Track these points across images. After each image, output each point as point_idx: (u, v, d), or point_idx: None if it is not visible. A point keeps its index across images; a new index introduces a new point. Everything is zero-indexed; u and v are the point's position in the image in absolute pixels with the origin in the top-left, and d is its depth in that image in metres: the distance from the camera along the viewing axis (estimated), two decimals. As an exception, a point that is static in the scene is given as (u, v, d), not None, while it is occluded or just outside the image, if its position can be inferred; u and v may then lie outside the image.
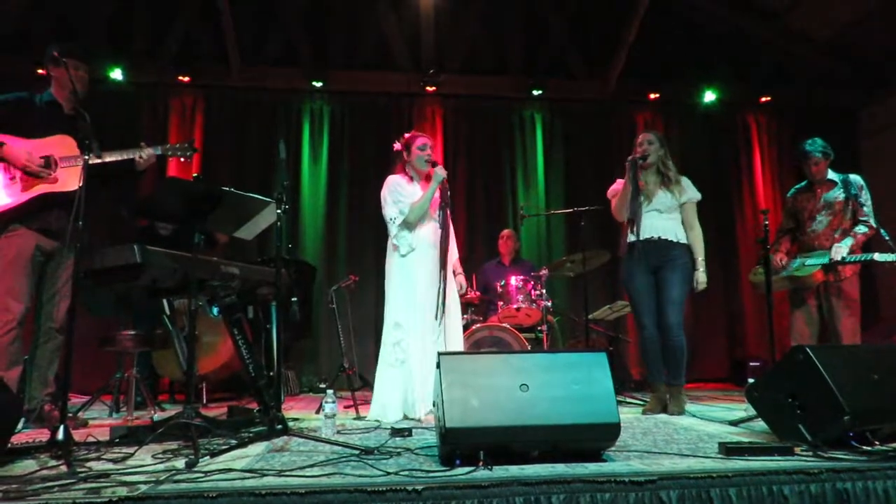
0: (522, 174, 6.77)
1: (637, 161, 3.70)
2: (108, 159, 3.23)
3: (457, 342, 3.60)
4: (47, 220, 3.25)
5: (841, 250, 3.70)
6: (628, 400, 4.30)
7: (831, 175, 3.93)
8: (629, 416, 3.56)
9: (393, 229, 3.56)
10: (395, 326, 3.46)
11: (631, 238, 3.78)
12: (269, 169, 6.27)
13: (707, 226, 3.86)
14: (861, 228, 3.79)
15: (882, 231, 3.73)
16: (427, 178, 3.67)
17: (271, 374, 3.28)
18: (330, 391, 2.95)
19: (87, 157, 2.58)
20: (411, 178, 3.67)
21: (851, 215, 3.86)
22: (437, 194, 3.62)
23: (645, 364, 3.90)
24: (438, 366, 2.22)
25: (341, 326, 4.68)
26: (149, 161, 3.37)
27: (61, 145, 3.24)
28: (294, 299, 3.02)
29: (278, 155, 2.88)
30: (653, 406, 3.67)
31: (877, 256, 3.55)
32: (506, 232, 5.68)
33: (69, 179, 3.20)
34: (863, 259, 3.64)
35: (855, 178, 3.91)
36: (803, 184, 4.07)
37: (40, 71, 5.51)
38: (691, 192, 3.78)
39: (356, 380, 4.53)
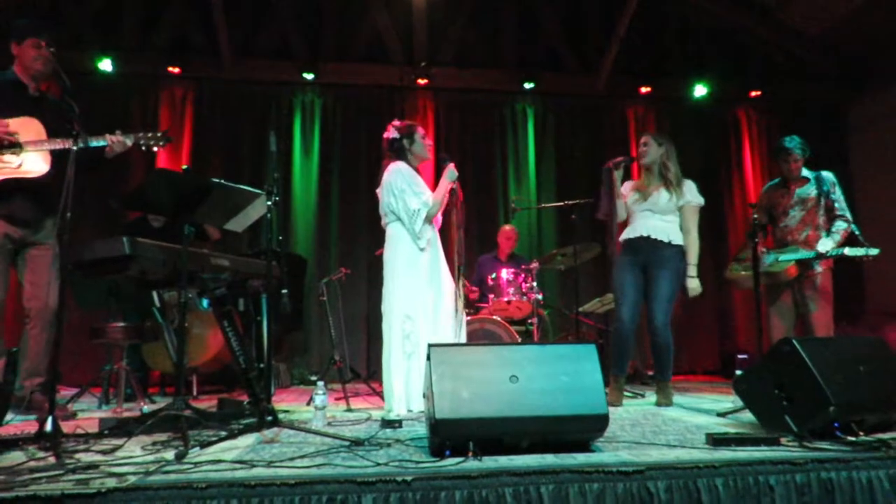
0: (514, 167, 6.77)
1: (610, 169, 3.80)
2: (68, 146, 3.02)
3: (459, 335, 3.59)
4: (11, 208, 3.10)
5: (827, 244, 3.76)
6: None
7: (804, 172, 4.00)
8: (618, 408, 3.58)
9: (418, 222, 3.45)
10: (406, 318, 3.38)
11: (624, 235, 3.84)
12: (260, 161, 6.24)
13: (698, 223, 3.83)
14: (841, 224, 3.84)
15: (853, 226, 3.83)
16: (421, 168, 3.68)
17: (262, 366, 3.28)
18: (320, 383, 2.95)
19: (76, 147, 2.55)
20: (414, 169, 3.63)
21: (824, 211, 3.93)
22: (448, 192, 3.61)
23: (613, 354, 3.86)
24: (429, 357, 2.22)
25: (332, 319, 4.67)
26: (118, 149, 3.21)
27: (26, 128, 3.06)
28: (284, 292, 3.02)
29: (269, 147, 2.87)
30: (613, 397, 3.65)
31: (847, 251, 3.64)
32: (510, 228, 5.66)
33: (34, 164, 3.05)
34: (835, 254, 3.71)
35: (827, 174, 3.97)
36: (777, 180, 4.16)
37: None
38: (690, 196, 3.76)
39: (347, 372, 4.54)
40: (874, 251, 3.58)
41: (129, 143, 3.21)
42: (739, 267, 4.08)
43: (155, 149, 3.26)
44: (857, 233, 3.79)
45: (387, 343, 3.44)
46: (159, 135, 3.25)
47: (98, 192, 5.44)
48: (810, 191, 3.95)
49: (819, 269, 3.85)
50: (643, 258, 3.73)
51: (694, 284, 3.68)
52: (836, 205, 3.88)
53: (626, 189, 3.91)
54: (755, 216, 3.58)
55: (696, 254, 3.70)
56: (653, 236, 3.71)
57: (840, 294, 3.98)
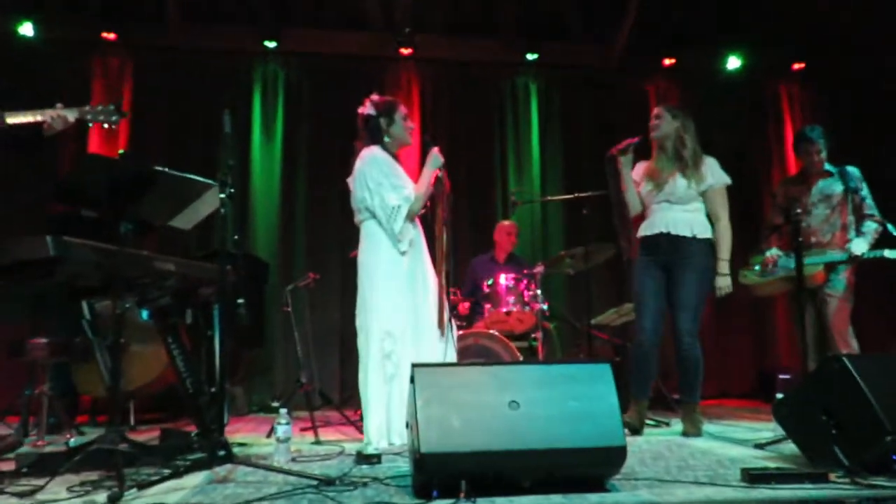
0: (514, 153, 6.77)
1: (613, 157, 3.84)
2: (11, 121, 2.99)
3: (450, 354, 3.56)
4: None
5: (861, 246, 3.89)
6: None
7: (826, 165, 4.10)
8: (638, 438, 3.58)
9: (398, 221, 3.41)
10: (387, 335, 3.35)
11: (641, 232, 3.85)
12: (212, 146, 6.18)
13: (729, 211, 3.84)
14: (871, 224, 3.99)
15: (889, 226, 3.93)
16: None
17: (213, 390, 3.25)
18: (283, 410, 2.94)
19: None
20: (392, 155, 3.61)
21: (853, 209, 4.06)
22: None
23: (633, 374, 3.85)
24: (412, 380, 2.21)
25: (298, 334, 4.65)
26: (57, 125, 3.08)
27: None
28: (241, 301, 3.00)
29: (223, 129, 2.84)
30: (632, 426, 3.65)
31: (887, 253, 3.76)
32: (510, 225, 5.64)
33: None
34: (871, 257, 3.82)
35: (852, 169, 4.10)
36: (794, 175, 4.30)
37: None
38: (713, 177, 3.77)
39: (315, 397, 4.52)
40: None
41: (71, 118, 3.14)
42: (752, 273, 4.19)
43: (106, 126, 3.14)
44: (894, 233, 3.89)
45: (364, 363, 3.41)
46: (111, 108, 3.11)
47: (23, 181, 5.40)
48: (835, 186, 4.07)
49: (846, 273, 3.98)
50: (664, 258, 3.73)
51: (724, 283, 3.68)
52: (866, 202, 4.02)
53: (638, 174, 3.92)
54: (797, 211, 3.59)
55: (728, 246, 3.72)
56: (673, 232, 3.71)
57: (890, 304, 4.07)
